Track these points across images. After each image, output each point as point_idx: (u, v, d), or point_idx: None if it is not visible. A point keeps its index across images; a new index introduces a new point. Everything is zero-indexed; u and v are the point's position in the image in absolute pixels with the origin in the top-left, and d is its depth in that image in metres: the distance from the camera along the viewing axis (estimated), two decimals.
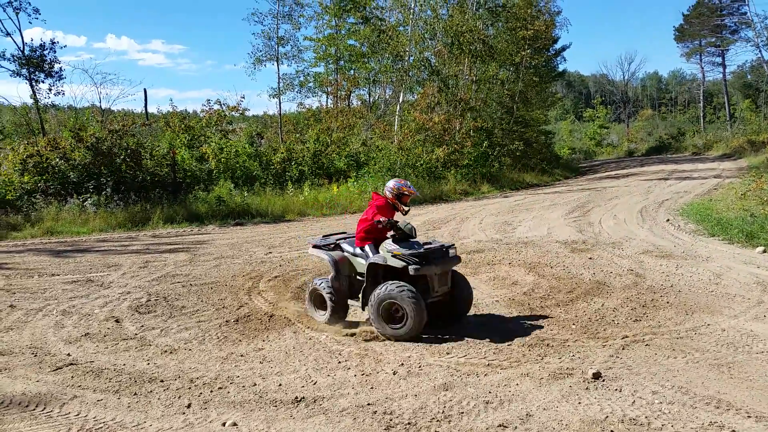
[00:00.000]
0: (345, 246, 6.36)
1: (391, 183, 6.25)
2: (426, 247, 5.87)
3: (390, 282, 5.66)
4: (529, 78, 29.83)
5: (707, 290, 7.17)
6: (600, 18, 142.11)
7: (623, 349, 5.26)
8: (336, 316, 6.21)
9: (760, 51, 39.02)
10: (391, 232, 5.97)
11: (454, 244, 6.19)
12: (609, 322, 6.07)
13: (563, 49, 38.11)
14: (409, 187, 6.25)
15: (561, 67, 39.87)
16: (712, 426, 3.79)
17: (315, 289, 6.37)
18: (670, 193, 17.94)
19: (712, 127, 51.56)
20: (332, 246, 6.46)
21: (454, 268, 6.15)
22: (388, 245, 5.86)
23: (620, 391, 4.37)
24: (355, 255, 6.24)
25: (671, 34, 59.23)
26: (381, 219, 5.93)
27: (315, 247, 6.58)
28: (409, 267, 5.62)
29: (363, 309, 6.10)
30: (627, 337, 5.58)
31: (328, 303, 6.19)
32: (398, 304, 5.58)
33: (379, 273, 5.97)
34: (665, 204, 15.48)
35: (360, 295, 6.05)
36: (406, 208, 6.31)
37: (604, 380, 4.57)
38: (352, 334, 5.89)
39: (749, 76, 57.62)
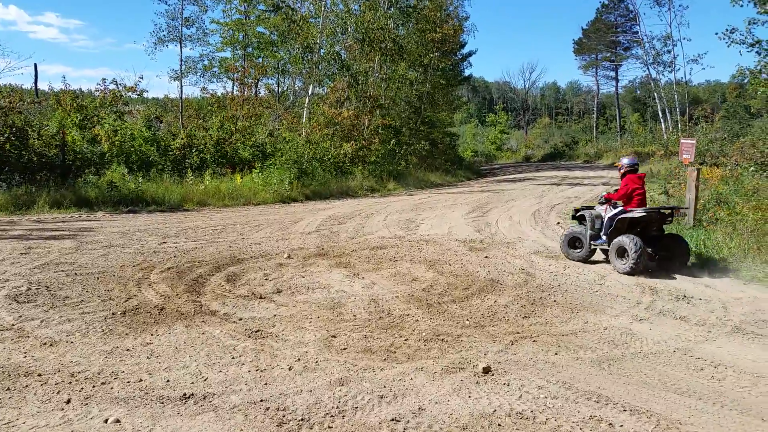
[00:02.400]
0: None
1: (625, 160, 9.47)
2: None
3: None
4: (437, 80, 30.52)
5: (591, 290, 7.65)
6: (505, 27, 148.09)
7: (512, 344, 5.50)
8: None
9: (648, 68, 42.17)
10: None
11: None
12: (500, 319, 6.33)
13: (470, 54, 39.28)
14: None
15: (467, 72, 41.05)
16: (592, 419, 4.04)
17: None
18: (562, 198, 19.03)
19: (604, 137, 55.30)
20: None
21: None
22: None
23: (508, 385, 4.57)
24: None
25: (571, 47, 62.84)
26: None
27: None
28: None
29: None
30: (516, 333, 5.84)
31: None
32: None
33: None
34: (557, 208, 16.39)
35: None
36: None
37: (493, 374, 4.75)
38: None
39: (638, 92, 62.39)
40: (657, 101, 39.38)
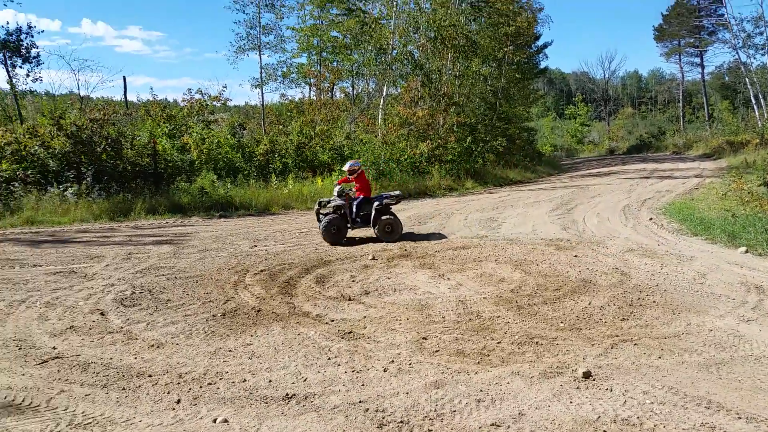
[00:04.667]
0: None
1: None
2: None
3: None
4: (512, 74, 29.94)
5: (692, 290, 7.27)
6: (581, 16, 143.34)
7: (612, 348, 5.30)
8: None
9: (737, 53, 39.63)
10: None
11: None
12: (597, 321, 6.12)
13: (545, 46, 38.33)
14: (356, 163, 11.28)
15: (543, 64, 40.07)
16: (704, 427, 3.84)
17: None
18: (652, 192, 18.16)
19: (692, 126, 52.41)
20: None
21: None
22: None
23: (611, 390, 4.41)
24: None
25: (651, 34, 59.92)
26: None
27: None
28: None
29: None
30: (615, 336, 5.63)
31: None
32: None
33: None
34: (647, 203, 15.67)
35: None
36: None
37: (594, 379, 4.60)
38: None
39: (727, 78, 58.62)
40: (749, 87, 36.92)
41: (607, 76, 71.60)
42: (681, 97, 55.99)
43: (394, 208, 12.71)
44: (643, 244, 10.17)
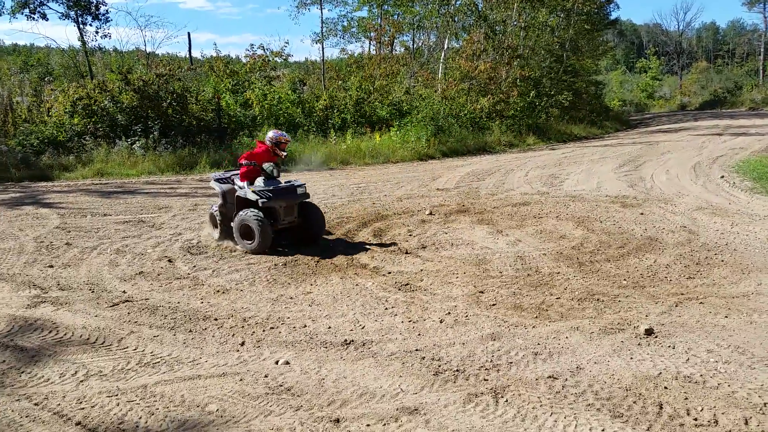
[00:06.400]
0: (236, 181, 7.49)
1: (270, 134, 7.62)
2: (278, 186, 7.22)
3: (248, 209, 7.06)
4: (581, 25, 28.54)
5: (765, 249, 6.92)
6: None
7: (676, 306, 5.15)
8: (223, 235, 7.57)
9: None
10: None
11: (304, 184, 7.49)
12: (662, 279, 5.94)
13: None
14: (285, 136, 7.68)
15: (614, 15, 38.09)
16: None
17: (211, 213, 7.85)
18: (725, 149, 17.20)
19: None
20: (227, 180, 7.71)
21: (310, 201, 7.69)
22: (257, 183, 7.23)
23: (674, 348, 4.30)
24: (239, 188, 7.38)
25: None
26: (244, 162, 7.26)
27: (216, 180, 7.81)
28: (259, 200, 7.02)
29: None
30: (680, 294, 5.45)
31: (219, 223, 7.60)
32: (250, 226, 6.97)
33: (244, 204, 7.28)
34: (720, 160, 14.88)
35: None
36: (284, 153, 7.70)
37: (656, 337, 4.49)
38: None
39: None
40: None
41: (681, 27, 67.36)
42: (762, 49, 52.07)
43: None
44: (713, 202, 9.71)
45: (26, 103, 17.79)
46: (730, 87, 47.67)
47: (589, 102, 30.03)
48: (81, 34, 19.85)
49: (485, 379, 3.91)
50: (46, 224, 8.69)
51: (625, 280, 5.93)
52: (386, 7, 29.45)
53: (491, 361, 4.17)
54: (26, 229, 8.35)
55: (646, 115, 40.55)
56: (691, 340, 4.43)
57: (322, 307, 5.31)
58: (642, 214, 8.97)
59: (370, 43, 29.45)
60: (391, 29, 27.30)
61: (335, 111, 20.37)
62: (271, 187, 7.12)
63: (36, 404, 3.64)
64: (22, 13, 19.01)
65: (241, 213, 7.11)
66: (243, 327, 4.86)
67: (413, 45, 31.24)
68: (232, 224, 7.31)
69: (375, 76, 23.08)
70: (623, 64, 65.20)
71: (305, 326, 4.85)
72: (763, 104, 39.44)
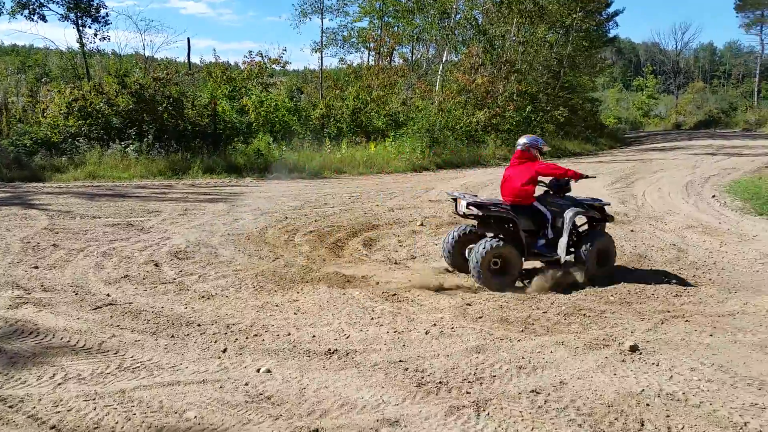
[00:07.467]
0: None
1: (535, 141, 6.59)
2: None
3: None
4: (579, 42, 28.82)
5: (752, 270, 6.93)
6: None
7: (662, 323, 5.13)
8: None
9: None
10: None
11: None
12: (649, 296, 5.93)
13: (616, 13, 36.72)
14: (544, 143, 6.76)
15: (612, 33, 38.40)
16: (754, 407, 3.68)
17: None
18: (718, 169, 17.30)
19: (767, 103, 49.36)
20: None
21: None
22: (565, 200, 6.72)
23: (657, 365, 4.28)
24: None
25: (731, 3, 56.34)
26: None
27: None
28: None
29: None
30: (666, 311, 5.44)
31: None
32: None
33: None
34: (712, 179, 14.95)
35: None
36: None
37: (641, 353, 4.47)
38: None
39: None
40: None
41: (679, 47, 68.03)
42: (758, 71, 52.62)
43: None
44: (703, 221, 9.74)
45: (21, 103, 17.77)
46: (725, 108, 48.12)
47: (584, 118, 30.25)
48: (80, 36, 19.87)
49: (468, 392, 3.88)
50: (34, 225, 8.63)
51: (612, 296, 5.92)
52: (387, 18, 29.66)
53: (474, 374, 4.14)
54: (13, 230, 8.30)
55: (641, 133, 40.86)
56: (675, 357, 4.42)
57: (307, 315, 5.27)
58: (632, 231, 8.99)
59: (369, 53, 29.61)
60: (390, 41, 27.46)
61: (331, 120, 20.41)
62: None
63: (10, 407, 3.58)
64: (22, 14, 19.04)
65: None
66: (226, 334, 4.82)
67: (412, 57, 31.42)
68: None
69: (372, 86, 23.16)
70: (620, 81, 65.66)
71: (289, 334, 4.81)
72: (757, 126, 39.76)
